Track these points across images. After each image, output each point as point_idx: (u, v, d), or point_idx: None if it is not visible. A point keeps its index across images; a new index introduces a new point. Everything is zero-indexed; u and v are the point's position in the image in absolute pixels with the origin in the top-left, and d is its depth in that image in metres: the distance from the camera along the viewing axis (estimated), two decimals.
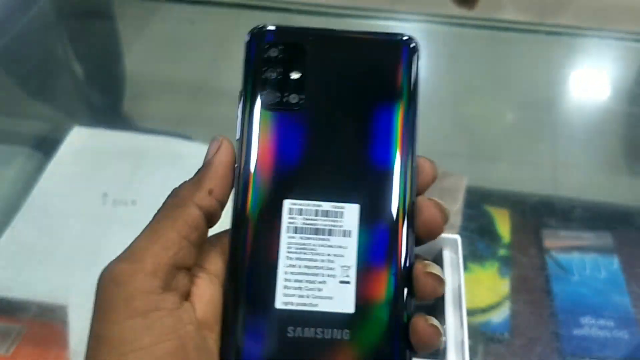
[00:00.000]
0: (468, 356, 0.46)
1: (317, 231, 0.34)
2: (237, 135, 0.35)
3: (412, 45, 0.37)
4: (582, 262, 0.70)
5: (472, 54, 1.00)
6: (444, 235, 0.57)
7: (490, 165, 0.85)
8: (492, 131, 0.90)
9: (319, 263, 0.34)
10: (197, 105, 0.94)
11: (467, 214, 0.74)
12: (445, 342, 0.47)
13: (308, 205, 0.34)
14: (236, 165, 0.35)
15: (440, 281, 0.33)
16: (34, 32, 1.04)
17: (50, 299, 0.63)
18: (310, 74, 0.36)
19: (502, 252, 0.71)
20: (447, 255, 0.53)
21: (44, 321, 0.62)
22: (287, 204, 0.34)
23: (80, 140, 0.76)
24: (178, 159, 0.73)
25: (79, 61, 1.02)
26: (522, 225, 0.74)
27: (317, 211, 0.34)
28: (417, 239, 0.35)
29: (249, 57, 0.36)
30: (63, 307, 0.62)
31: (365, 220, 0.34)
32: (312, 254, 0.34)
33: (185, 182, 0.34)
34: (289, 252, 0.34)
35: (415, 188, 0.35)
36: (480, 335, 0.63)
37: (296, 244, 0.34)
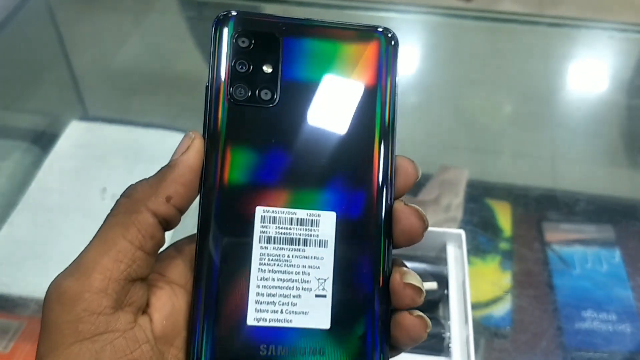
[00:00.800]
0: (473, 353, 0.46)
1: (291, 241, 0.32)
2: (204, 134, 0.32)
3: (389, 37, 0.34)
4: (584, 256, 0.70)
5: (472, 46, 0.99)
6: (447, 229, 0.57)
7: (491, 158, 0.84)
8: (492, 124, 0.89)
9: (293, 275, 0.32)
10: (194, 99, 0.93)
11: (468, 208, 0.74)
12: (449, 338, 0.46)
13: (282, 212, 0.32)
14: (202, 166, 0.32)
15: (419, 292, 0.31)
16: (30, 25, 1.04)
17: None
18: (283, 67, 0.33)
19: (503, 245, 0.71)
20: (450, 250, 0.53)
21: None
22: (260, 211, 0.32)
23: (78, 134, 0.76)
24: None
25: (76, 54, 1.01)
26: (523, 219, 0.74)
27: (291, 219, 0.32)
28: (396, 246, 0.33)
29: (216, 46, 0.33)
30: None
31: (342, 229, 0.32)
32: (286, 265, 0.32)
33: (142, 182, 0.31)
34: (261, 264, 0.31)
35: (393, 191, 0.33)
36: (482, 329, 0.63)
37: (269, 254, 0.32)
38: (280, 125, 0.32)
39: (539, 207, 0.75)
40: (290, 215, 0.32)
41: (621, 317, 0.65)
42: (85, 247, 0.29)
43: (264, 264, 0.31)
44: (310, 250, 0.32)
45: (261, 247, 0.32)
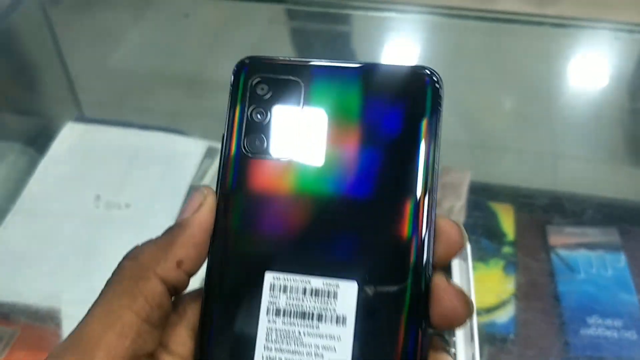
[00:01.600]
0: None
1: (304, 315, 0.28)
2: (216, 187, 0.30)
3: (432, 79, 0.29)
4: (588, 260, 0.69)
5: (474, 46, 0.99)
6: None
7: (493, 159, 0.84)
8: (495, 125, 0.89)
9: (304, 357, 0.28)
10: (192, 99, 0.93)
11: (470, 211, 0.73)
12: (455, 355, 0.45)
13: (294, 280, 0.28)
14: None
15: None
16: (24, 25, 1.03)
17: (42, 303, 0.62)
18: (306, 118, 0.30)
19: (506, 249, 0.70)
20: (455, 262, 0.51)
21: (37, 325, 0.62)
22: (269, 277, 0.28)
23: (73, 137, 0.75)
24: (172, 156, 0.71)
25: (71, 55, 1.01)
26: (526, 222, 0.73)
27: (305, 289, 0.28)
28: (431, 328, 0.28)
29: (234, 93, 0.30)
30: (56, 311, 0.61)
31: (365, 304, 0.28)
32: (297, 344, 0.28)
33: (149, 243, 0.28)
34: (267, 341, 0.28)
35: (431, 262, 0.28)
36: (485, 336, 0.62)
37: (277, 330, 0.28)
38: (298, 181, 0.29)
39: (543, 210, 0.74)
40: (304, 284, 0.28)
41: (627, 323, 0.64)
42: (87, 316, 0.27)
43: (271, 340, 0.28)
44: (325, 328, 0.28)
45: (269, 321, 0.28)
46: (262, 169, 0.29)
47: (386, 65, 0.30)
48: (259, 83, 0.30)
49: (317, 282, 0.28)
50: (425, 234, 0.28)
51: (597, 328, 0.64)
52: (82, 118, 0.84)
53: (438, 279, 0.27)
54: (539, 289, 0.67)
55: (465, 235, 0.28)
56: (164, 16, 1.08)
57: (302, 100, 0.30)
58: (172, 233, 0.28)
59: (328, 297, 0.28)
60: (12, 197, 0.71)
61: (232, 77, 0.30)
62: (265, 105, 0.30)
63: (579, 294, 0.66)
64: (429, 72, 0.30)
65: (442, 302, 0.27)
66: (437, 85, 0.30)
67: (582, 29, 1.01)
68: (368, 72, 0.30)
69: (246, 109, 0.30)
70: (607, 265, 0.69)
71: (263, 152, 0.29)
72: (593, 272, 0.68)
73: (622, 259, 0.69)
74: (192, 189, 0.32)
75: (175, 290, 0.28)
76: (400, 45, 1.01)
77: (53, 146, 0.74)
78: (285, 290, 0.28)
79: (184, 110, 0.89)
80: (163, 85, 0.94)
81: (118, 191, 0.68)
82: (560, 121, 0.88)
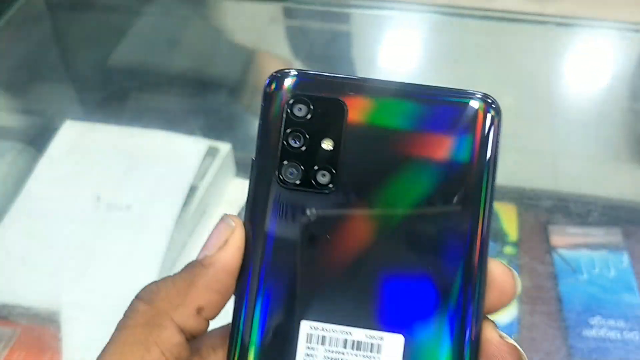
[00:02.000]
0: None
1: None
2: (245, 219, 0.27)
3: (490, 107, 0.26)
4: (591, 260, 0.69)
5: (474, 45, 0.99)
6: None
7: None
8: None
9: None
10: (193, 98, 0.92)
11: None
12: None
13: (334, 331, 0.25)
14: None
15: None
16: (24, 23, 1.03)
17: (42, 304, 0.62)
18: (349, 145, 0.26)
19: (508, 250, 0.70)
20: None
21: (36, 326, 0.62)
22: (306, 326, 0.26)
23: (72, 135, 0.74)
24: (173, 156, 0.71)
25: (70, 53, 1.00)
26: (528, 222, 0.73)
27: (345, 341, 0.25)
28: None
29: (266, 112, 0.27)
30: (55, 312, 0.61)
31: (411, 358, 0.25)
32: None
33: (166, 282, 0.25)
34: None
35: (482, 313, 0.26)
36: None
37: None
38: (340, 217, 0.26)
39: (545, 210, 0.74)
40: (345, 336, 0.25)
41: (630, 324, 0.64)
42: None
43: None
44: None
45: None
46: (299, 203, 0.26)
47: (442, 90, 0.27)
48: (296, 102, 0.26)
49: (359, 333, 0.26)
50: (476, 283, 0.26)
51: (600, 329, 0.63)
52: (81, 117, 0.84)
53: (490, 333, 0.25)
54: (541, 289, 0.67)
55: (519, 282, 0.26)
56: (164, 15, 1.08)
57: (345, 124, 0.26)
58: (192, 272, 0.25)
59: (371, 350, 0.26)
60: (11, 197, 0.70)
61: (264, 94, 0.27)
62: (303, 129, 0.26)
63: (582, 294, 0.66)
64: (491, 106, 0.26)
65: (493, 357, 0.25)
66: (497, 119, 0.26)
67: (584, 28, 1.01)
68: (422, 98, 0.26)
69: (281, 133, 0.26)
70: (610, 266, 0.68)
71: (300, 183, 0.26)
72: (596, 273, 0.68)
73: (625, 260, 0.69)
74: (220, 219, 0.26)
75: (193, 337, 0.26)
76: (401, 44, 1.01)
77: (52, 145, 0.73)
78: (323, 342, 0.26)
79: (184, 110, 0.89)
80: (163, 84, 0.94)
81: (118, 191, 0.68)
82: (562, 121, 0.88)
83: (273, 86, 0.27)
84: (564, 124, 0.87)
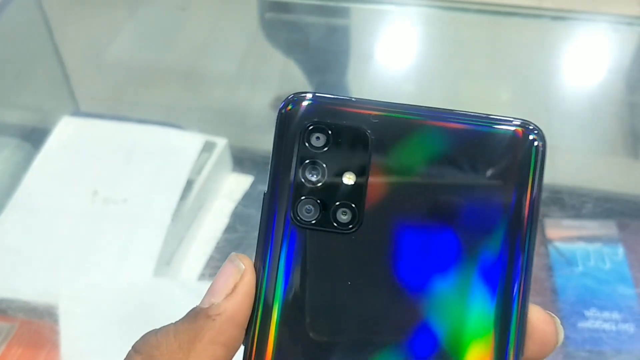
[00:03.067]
0: None
1: None
2: (255, 261, 0.24)
3: (534, 137, 0.23)
4: (586, 253, 0.69)
5: (472, 39, 0.99)
6: None
7: None
8: None
9: None
10: (189, 92, 0.92)
11: None
12: None
13: None
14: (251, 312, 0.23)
15: None
16: (19, 18, 1.02)
17: (39, 299, 0.62)
18: (374, 179, 0.23)
19: None
20: None
21: (34, 321, 0.61)
22: None
23: (69, 131, 0.74)
24: (169, 151, 0.71)
25: (66, 48, 1.00)
26: None
27: None
28: None
29: (280, 141, 0.24)
30: (53, 307, 0.61)
31: None
32: None
33: (167, 334, 0.23)
34: None
35: None
36: None
37: None
38: (362, 261, 0.23)
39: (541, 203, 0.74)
40: None
41: (625, 316, 0.64)
42: None
43: None
44: None
45: None
46: (317, 245, 0.23)
47: (481, 118, 0.24)
48: (314, 131, 0.24)
49: None
50: (515, 333, 0.23)
51: (595, 321, 0.63)
52: (78, 112, 0.84)
53: None
54: (537, 281, 0.67)
55: (562, 330, 0.24)
56: (160, 9, 1.07)
57: (369, 156, 0.23)
58: (196, 324, 0.22)
59: None
60: (8, 192, 0.70)
61: (278, 118, 0.24)
62: (321, 161, 0.24)
63: (577, 287, 0.66)
64: (535, 135, 0.23)
65: None
66: (542, 149, 0.23)
67: (579, 22, 1.01)
68: (457, 128, 0.23)
69: (296, 165, 0.24)
70: (606, 259, 0.69)
71: (317, 222, 0.24)
72: (591, 266, 0.68)
73: (620, 252, 0.69)
74: (228, 259, 0.24)
75: None
76: (398, 39, 1.01)
77: (49, 141, 0.73)
78: None
79: (180, 104, 0.89)
80: (159, 79, 0.94)
81: (115, 186, 0.68)
82: (558, 114, 0.88)
83: (289, 112, 0.24)
84: (559, 117, 0.88)
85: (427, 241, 0.23)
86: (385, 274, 0.23)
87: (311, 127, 0.24)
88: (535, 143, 0.23)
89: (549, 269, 0.68)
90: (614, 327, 0.63)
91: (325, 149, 0.24)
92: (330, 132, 0.24)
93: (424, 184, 0.23)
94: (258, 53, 0.96)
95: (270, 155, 0.24)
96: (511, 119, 0.24)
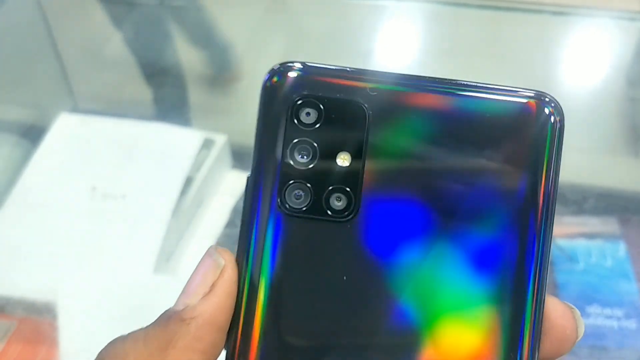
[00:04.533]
0: None
1: None
2: (237, 255, 0.21)
3: (551, 110, 0.21)
4: (588, 249, 0.69)
5: (473, 36, 0.98)
6: None
7: None
8: None
9: None
10: (188, 89, 0.92)
11: None
12: None
13: None
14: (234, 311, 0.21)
15: None
16: (17, 14, 1.02)
17: (39, 295, 0.62)
18: (372, 159, 0.21)
19: None
20: None
21: (33, 318, 0.61)
22: None
23: (68, 128, 0.74)
24: (168, 147, 0.71)
25: (65, 45, 1.00)
26: None
27: None
28: None
29: (265, 118, 0.21)
30: (52, 304, 0.61)
31: None
32: None
33: (136, 340, 0.20)
34: None
35: None
36: None
37: None
38: (359, 254, 0.20)
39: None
40: None
41: (627, 313, 0.64)
42: None
43: None
44: None
45: None
46: (307, 235, 0.21)
47: (491, 88, 0.21)
48: (304, 105, 0.21)
49: None
50: (530, 329, 0.21)
51: (597, 317, 0.63)
52: (76, 109, 0.84)
53: None
54: None
55: (582, 324, 0.22)
56: (158, 7, 1.07)
57: (366, 133, 0.21)
58: (169, 329, 0.20)
59: None
60: (6, 189, 0.70)
61: (262, 92, 0.21)
62: (311, 140, 0.21)
63: (579, 283, 0.66)
64: (550, 107, 0.21)
65: None
66: (559, 125, 0.21)
67: (580, 17, 1.01)
68: (464, 99, 0.21)
69: (283, 145, 0.21)
70: (607, 255, 0.68)
71: (308, 209, 0.21)
72: (592, 262, 0.68)
73: (621, 249, 0.69)
74: (206, 253, 0.21)
75: None
76: (396, 34, 1.00)
77: (47, 137, 0.73)
78: None
79: (180, 101, 0.89)
80: (158, 76, 0.93)
81: (114, 182, 0.68)
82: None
83: (274, 84, 0.21)
84: (565, 114, 0.87)
85: (431, 230, 0.20)
86: (385, 268, 0.20)
87: (300, 102, 0.21)
88: (552, 118, 0.21)
89: (550, 265, 0.67)
90: (615, 324, 0.63)
91: (317, 126, 0.21)
92: (321, 106, 0.21)
93: (427, 165, 0.21)
94: (257, 49, 0.96)
95: (254, 135, 0.21)
96: (525, 90, 0.21)
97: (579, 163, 0.81)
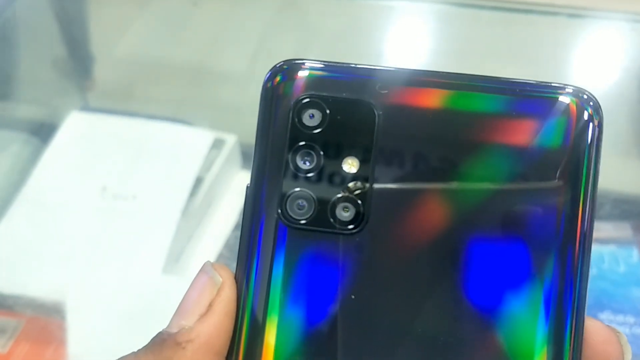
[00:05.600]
0: None
1: None
2: (237, 271, 0.19)
3: (589, 107, 0.19)
4: (600, 255, 0.68)
5: (485, 37, 0.98)
6: None
7: None
8: None
9: None
10: (199, 89, 0.92)
11: None
12: None
13: None
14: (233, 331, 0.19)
15: None
16: (29, 11, 1.02)
17: (47, 295, 0.62)
18: (382, 165, 0.19)
19: None
20: None
21: (42, 316, 0.62)
22: None
23: (78, 126, 0.74)
24: (179, 147, 0.71)
25: (76, 43, 1.00)
26: None
27: None
28: None
29: (265, 120, 0.19)
30: (61, 303, 0.61)
31: None
32: None
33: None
34: None
35: None
36: None
37: None
38: (369, 268, 0.18)
39: None
40: None
41: (639, 320, 0.63)
42: None
43: None
44: None
45: None
46: (312, 249, 0.19)
47: (517, 84, 0.19)
48: (307, 106, 0.19)
49: None
50: (567, 348, 0.19)
51: (609, 324, 0.63)
52: (87, 108, 0.84)
53: None
54: None
55: (629, 350, 0.20)
56: (171, 4, 1.07)
57: (375, 136, 0.19)
58: (162, 354, 0.18)
59: None
60: (16, 188, 0.70)
61: (263, 92, 0.19)
62: (316, 144, 0.19)
63: (591, 289, 0.65)
64: (589, 104, 0.19)
65: None
66: (599, 129, 0.19)
67: (596, 19, 1.00)
68: (485, 96, 0.19)
69: (286, 149, 0.19)
70: (620, 261, 0.68)
71: (312, 221, 0.19)
72: (605, 268, 0.67)
73: (634, 254, 0.68)
74: (200, 270, 0.19)
75: None
76: (408, 36, 1.00)
77: (58, 136, 0.73)
78: None
79: (190, 101, 0.89)
80: (170, 75, 0.94)
81: (124, 182, 0.68)
82: None
83: (275, 84, 0.19)
84: None
85: (446, 245, 0.18)
86: (397, 284, 0.18)
87: (303, 102, 0.19)
88: (592, 123, 0.18)
89: None
90: (628, 331, 0.62)
91: (321, 128, 0.19)
92: (326, 107, 0.19)
93: (444, 172, 0.18)
94: (269, 49, 0.95)
95: (255, 138, 0.19)
96: (561, 87, 0.19)
97: None
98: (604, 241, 0.69)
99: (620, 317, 0.63)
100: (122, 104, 0.88)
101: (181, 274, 0.64)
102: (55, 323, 0.60)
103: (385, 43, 0.99)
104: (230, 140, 0.73)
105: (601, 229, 0.70)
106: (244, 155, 0.75)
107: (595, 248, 0.64)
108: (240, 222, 0.20)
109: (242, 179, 0.74)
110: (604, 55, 0.96)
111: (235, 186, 0.73)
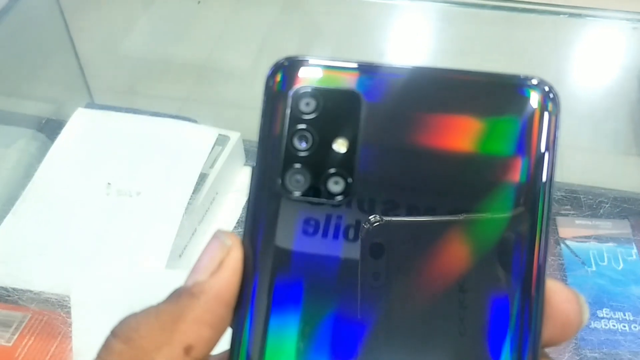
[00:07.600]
0: None
1: None
2: (243, 237, 0.22)
3: (547, 96, 0.21)
4: (600, 252, 0.69)
5: (485, 37, 0.98)
6: None
7: None
8: None
9: None
10: (203, 86, 0.92)
11: None
12: None
13: None
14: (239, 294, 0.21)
15: None
16: (35, 10, 1.03)
17: (52, 289, 0.62)
18: (367, 145, 0.22)
19: None
20: None
21: (46, 311, 0.62)
22: None
23: (84, 123, 0.74)
24: (183, 144, 0.71)
25: (82, 40, 1.00)
26: None
27: None
28: None
29: (268, 108, 0.22)
30: (65, 298, 0.61)
31: None
32: None
33: (148, 316, 0.21)
34: None
35: (538, 352, 0.21)
36: None
37: None
38: (356, 236, 0.21)
39: (554, 202, 0.74)
40: None
41: (638, 316, 0.63)
42: None
43: None
44: None
45: None
46: (307, 216, 0.22)
47: (484, 76, 0.22)
48: (304, 96, 0.22)
49: None
50: (531, 313, 0.21)
51: (608, 321, 0.63)
52: (92, 104, 0.84)
53: None
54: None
55: (587, 309, 0.21)
56: (176, 3, 1.07)
57: (363, 120, 0.22)
58: (179, 303, 0.21)
59: None
60: (22, 183, 0.70)
61: (266, 85, 0.22)
62: (312, 128, 0.22)
63: (590, 286, 0.66)
64: (544, 89, 0.21)
65: None
66: (555, 108, 0.21)
67: (596, 19, 1.00)
68: (457, 88, 0.22)
69: (285, 132, 0.22)
70: (619, 258, 0.68)
71: (307, 193, 0.22)
72: (604, 265, 0.67)
73: (634, 252, 0.68)
74: (213, 236, 0.22)
75: None
76: (409, 35, 1.00)
77: (63, 132, 0.73)
78: None
79: (194, 98, 0.89)
80: (174, 72, 0.94)
81: (129, 178, 0.68)
82: (573, 113, 0.87)
83: (277, 77, 0.22)
84: (574, 115, 0.87)
85: (425, 213, 0.21)
86: (390, 255, 0.21)
87: (300, 92, 0.22)
88: (548, 107, 0.21)
89: (562, 268, 0.67)
90: (627, 328, 0.62)
91: (315, 114, 0.22)
92: (320, 96, 0.22)
93: (422, 150, 0.21)
94: (273, 46, 0.96)
95: (258, 125, 0.22)
96: (521, 77, 0.22)
97: (595, 166, 0.81)
98: (603, 239, 0.70)
99: (619, 314, 0.63)
100: (127, 101, 0.88)
101: (184, 269, 0.64)
102: (59, 317, 0.61)
103: (388, 41, 0.99)
104: (234, 137, 0.73)
105: (601, 227, 0.71)
106: (248, 151, 0.75)
107: (594, 245, 0.65)
108: (243, 220, 0.22)
109: (246, 175, 0.74)
110: (604, 55, 0.96)
111: (238, 182, 0.73)
